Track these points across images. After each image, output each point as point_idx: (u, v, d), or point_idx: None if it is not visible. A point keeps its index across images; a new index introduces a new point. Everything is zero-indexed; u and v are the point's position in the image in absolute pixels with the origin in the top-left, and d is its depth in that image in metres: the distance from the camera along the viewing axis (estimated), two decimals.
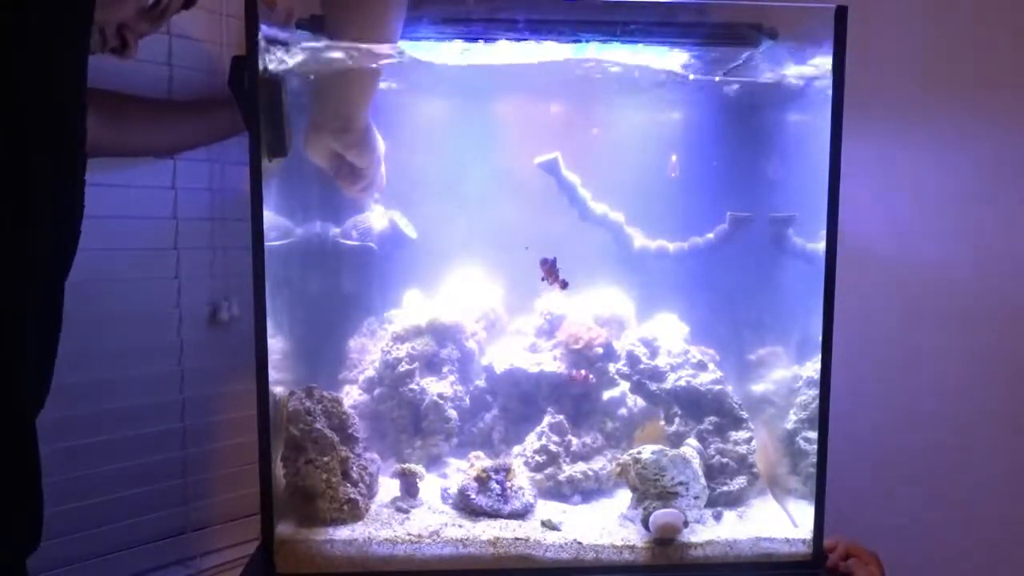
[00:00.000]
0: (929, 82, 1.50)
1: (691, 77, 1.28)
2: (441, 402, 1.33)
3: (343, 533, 1.10)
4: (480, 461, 1.22)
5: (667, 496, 1.13)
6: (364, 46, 1.06)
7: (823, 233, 1.08)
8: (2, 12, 0.70)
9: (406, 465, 1.22)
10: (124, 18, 0.94)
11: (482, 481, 1.17)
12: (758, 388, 1.38)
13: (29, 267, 0.76)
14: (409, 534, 1.10)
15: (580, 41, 1.18)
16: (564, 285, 1.26)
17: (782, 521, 1.21)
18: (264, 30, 0.99)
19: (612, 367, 1.35)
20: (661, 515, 1.10)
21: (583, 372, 1.30)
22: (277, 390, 1.11)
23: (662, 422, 1.33)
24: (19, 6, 0.71)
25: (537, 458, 1.27)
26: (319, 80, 1.15)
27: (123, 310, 1.20)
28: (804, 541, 1.13)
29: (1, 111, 0.71)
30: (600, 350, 1.34)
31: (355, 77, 1.12)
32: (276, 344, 1.09)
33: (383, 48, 1.07)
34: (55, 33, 0.75)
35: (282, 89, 1.05)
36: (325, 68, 1.12)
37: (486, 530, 1.11)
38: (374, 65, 1.12)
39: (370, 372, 1.37)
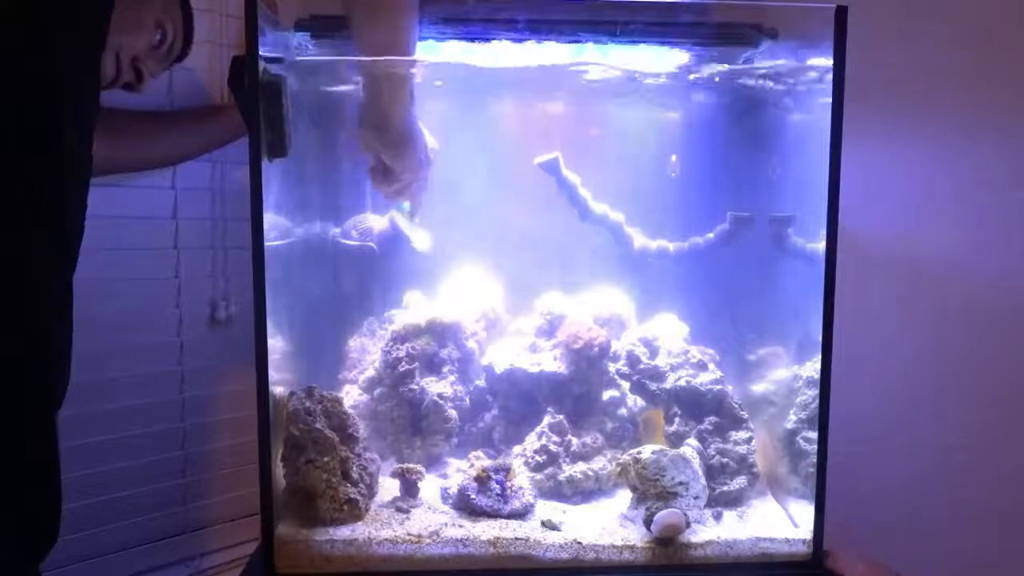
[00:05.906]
0: (930, 81, 1.50)
1: (691, 77, 1.28)
2: (441, 402, 1.33)
3: (343, 533, 1.10)
4: (480, 461, 1.22)
5: (667, 496, 1.13)
6: (382, 59, 1.07)
7: (823, 233, 1.08)
8: (12, 26, 0.71)
9: (406, 465, 1.22)
10: (138, 51, 1.00)
11: (482, 481, 1.17)
12: (758, 388, 1.38)
13: (37, 273, 0.78)
14: (409, 534, 1.10)
15: (580, 41, 1.18)
16: None
17: (782, 521, 1.21)
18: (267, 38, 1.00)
19: (612, 367, 1.35)
20: (664, 515, 1.10)
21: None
22: (277, 390, 1.11)
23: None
24: (32, 22, 0.72)
25: (537, 458, 1.27)
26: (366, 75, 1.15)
27: (123, 310, 1.21)
28: (804, 541, 1.13)
29: (8, 125, 0.72)
30: (598, 350, 1.33)
31: (387, 76, 1.12)
32: (276, 344, 1.09)
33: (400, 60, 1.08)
34: (65, 49, 0.76)
35: (282, 89, 1.05)
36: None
37: (486, 530, 1.11)
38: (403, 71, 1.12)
39: (370, 372, 1.37)
